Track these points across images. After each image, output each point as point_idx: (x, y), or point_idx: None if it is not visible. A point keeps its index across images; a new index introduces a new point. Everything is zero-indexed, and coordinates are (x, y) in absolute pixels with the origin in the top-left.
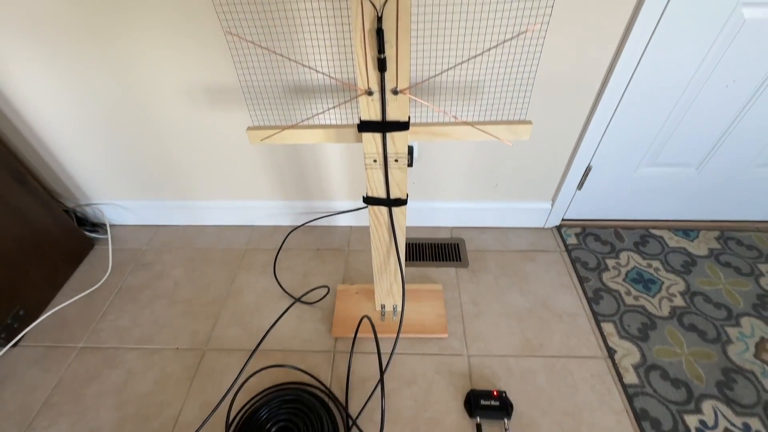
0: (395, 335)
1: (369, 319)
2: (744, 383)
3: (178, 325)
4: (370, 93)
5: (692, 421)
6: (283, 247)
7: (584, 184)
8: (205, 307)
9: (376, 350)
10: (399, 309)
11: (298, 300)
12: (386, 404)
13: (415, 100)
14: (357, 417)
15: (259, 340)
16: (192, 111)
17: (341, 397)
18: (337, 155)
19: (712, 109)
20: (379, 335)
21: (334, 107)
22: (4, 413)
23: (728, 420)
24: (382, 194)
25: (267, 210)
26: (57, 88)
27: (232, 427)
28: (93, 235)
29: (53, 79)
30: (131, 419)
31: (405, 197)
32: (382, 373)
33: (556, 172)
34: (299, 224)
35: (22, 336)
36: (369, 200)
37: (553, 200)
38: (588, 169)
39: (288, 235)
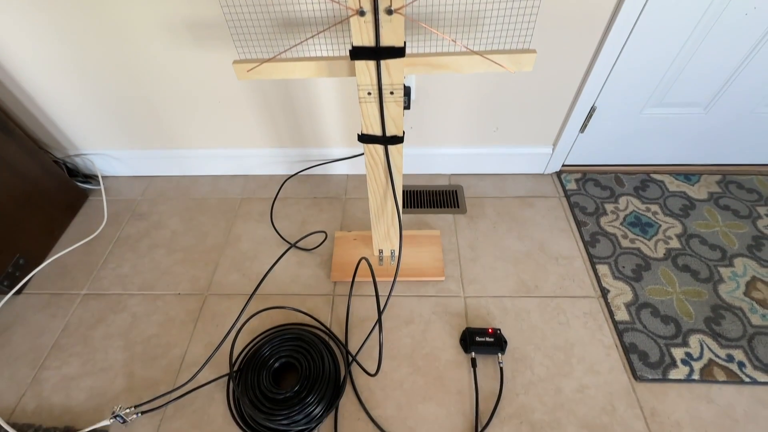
0: (393, 278)
1: (367, 260)
2: (731, 319)
3: (178, 272)
4: (362, 13)
5: (678, 353)
6: (279, 196)
7: (587, 127)
8: (204, 255)
9: (374, 293)
10: (396, 253)
11: (294, 245)
12: (385, 342)
13: (411, 26)
14: (357, 353)
15: (255, 281)
16: (175, 50)
17: (341, 337)
18: (330, 98)
19: (727, 42)
20: (377, 279)
21: (325, 29)
22: (16, 354)
23: (713, 352)
24: (378, 131)
25: (261, 159)
26: (32, 29)
27: (237, 364)
28: (86, 186)
29: (28, 21)
30: (139, 358)
31: (401, 134)
32: (379, 307)
33: (559, 114)
34: (295, 172)
35: (25, 284)
36: (364, 138)
37: (555, 144)
38: (592, 110)
39: (284, 183)
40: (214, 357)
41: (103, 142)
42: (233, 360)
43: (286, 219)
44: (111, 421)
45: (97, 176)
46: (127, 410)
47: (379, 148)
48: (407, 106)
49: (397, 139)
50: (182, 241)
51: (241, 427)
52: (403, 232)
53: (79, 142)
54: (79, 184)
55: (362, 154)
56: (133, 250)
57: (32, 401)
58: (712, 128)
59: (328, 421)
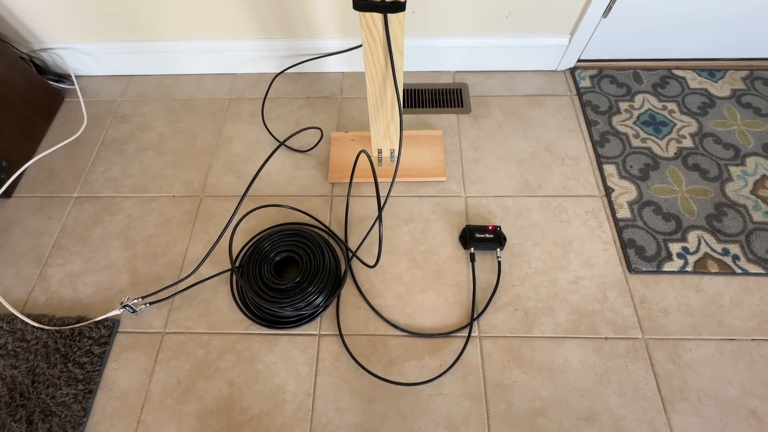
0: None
1: (366, 152)
2: (733, 215)
3: (170, 174)
4: None
5: (675, 247)
6: (271, 96)
7: (612, 10)
8: (195, 158)
9: (373, 193)
10: (396, 153)
11: (283, 143)
12: (384, 240)
13: None
14: (356, 250)
15: (254, 183)
16: None
17: (341, 235)
18: None
19: None
20: (380, 179)
21: None
22: (18, 253)
23: (710, 246)
24: None
25: (247, 53)
26: None
27: (238, 261)
28: (60, 86)
29: None
30: (141, 256)
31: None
32: (378, 198)
33: None
34: (285, 68)
35: (14, 187)
36: (359, 5)
37: (572, 33)
38: None
39: (274, 79)
40: (214, 254)
41: (68, 33)
42: (234, 257)
43: (279, 120)
44: (121, 310)
45: (70, 75)
46: (135, 300)
47: (378, 19)
48: None
49: (398, 6)
50: (171, 143)
51: (246, 315)
52: (405, 133)
53: (42, 34)
54: (52, 83)
55: (359, 46)
56: (120, 153)
57: (42, 295)
58: (748, 12)
59: (331, 310)
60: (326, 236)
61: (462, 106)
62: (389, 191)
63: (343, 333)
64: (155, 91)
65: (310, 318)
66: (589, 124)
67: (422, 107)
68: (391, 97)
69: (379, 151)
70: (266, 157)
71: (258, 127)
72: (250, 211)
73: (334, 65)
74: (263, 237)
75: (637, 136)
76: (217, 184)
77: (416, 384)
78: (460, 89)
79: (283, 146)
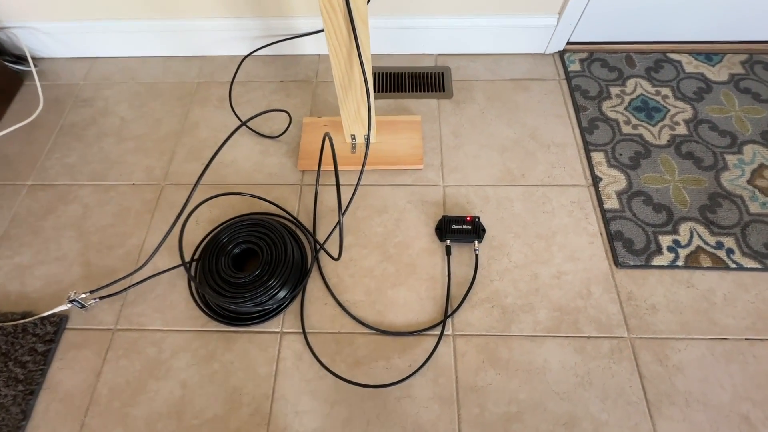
0: (367, 166)
1: (329, 136)
2: (729, 206)
3: (130, 161)
4: None
5: (666, 240)
6: (242, 79)
7: None
8: (158, 144)
9: (348, 182)
10: (371, 138)
11: (245, 123)
12: (355, 232)
13: None
14: (324, 241)
15: (220, 171)
16: None
17: (309, 226)
18: None
19: None
20: (349, 167)
21: None
22: None
23: (702, 239)
24: None
25: (217, 34)
26: None
27: (197, 252)
28: (18, 68)
29: None
30: (95, 248)
31: None
32: (338, 188)
33: None
34: (255, 48)
35: None
36: None
37: (561, 13)
38: None
39: (243, 60)
40: (175, 246)
41: (27, 11)
42: (194, 249)
43: (249, 105)
44: (69, 305)
45: (26, 56)
46: (84, 295)
47: None
48: None
49: None
50: (133, 129)
51: (204, 311)
52: (380, 118)
53: None
54: (9, 65)
55: None
56: (79, 139)
57: None
58: None
59: (295, 306)
60: (294, 227)
61: (443, 91)
62: (359, 180)
63: (306, 331)
64: (120, 73)
65: (271, 314)
66: (578, 109)
67: (401, 91)
68: (358, 75)
69: (352, 137)
70: (235, 147)
71: (227, 112)
72: (207, 199)
73: (309, 47)
74: (222, 228)
75: (628, 122)
76: (181, 172)
77: (383, 386)
78: (442, 73)
79: (252, 132)
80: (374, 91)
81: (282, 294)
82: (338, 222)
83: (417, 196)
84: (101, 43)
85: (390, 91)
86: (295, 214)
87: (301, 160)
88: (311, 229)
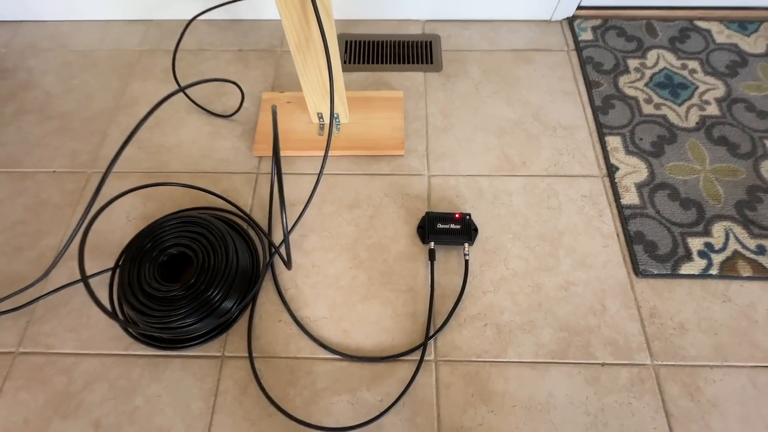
0: (337, 152)
1: (273, 110)
2: None
3: (53, 144)
4: None
5: (696, 243)
6: (193, 47)
7: None
8: (88, 123)
9: (313, 170)
10: (341, 118)
11: (183, 90)
12: (320, 231)
13: None
14: (280, 244)
15: (160, 156)
16: None
17: (264, 224)
18: None
19: None
20: (316, 152)
21: None
22: None
23: (741, 242)
24: None
25: None
26: None
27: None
28: None
29: None
30: (0, 250)
31: None
32: (279, 173)
33: None
34: (207, 8)
35: None
36: None
37: None
38: None
39: (190, 22)
40: (102, 247)
41: None
42: (120, 252)
43: (200, 77)
44: None
45: None
46: None
47: None
48: None
49: None
50: (59, 105)
51: (129, 332)
52: (355, 94)
53: None
54: None
55: None
56: None
57: None
58: None
59: (242, 324)
60: (246, 225)
61: (431, 63)
62: (321, 168)
63: (254, 355)
64: (49, 40)
65: (211, 335)
66: (590, 85)
67: (381, 63)
68: (317, 32)
69: (320, 116)
70: (180, 128)
71: (173, 86)
72: (129, 190)
73: (272, 10)
74: (148, 228)
75: (649, 101)
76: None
77: (347, 429)
78: (430, 42)
79: (201, 110)
80: (349, 63)
81: (226, 307)
82: (302, 216)
83: (396, 188)
84: (28, 4)
85: (368, 63)
86: (247, 210)
87: (257, 144)
88: (266, 226)
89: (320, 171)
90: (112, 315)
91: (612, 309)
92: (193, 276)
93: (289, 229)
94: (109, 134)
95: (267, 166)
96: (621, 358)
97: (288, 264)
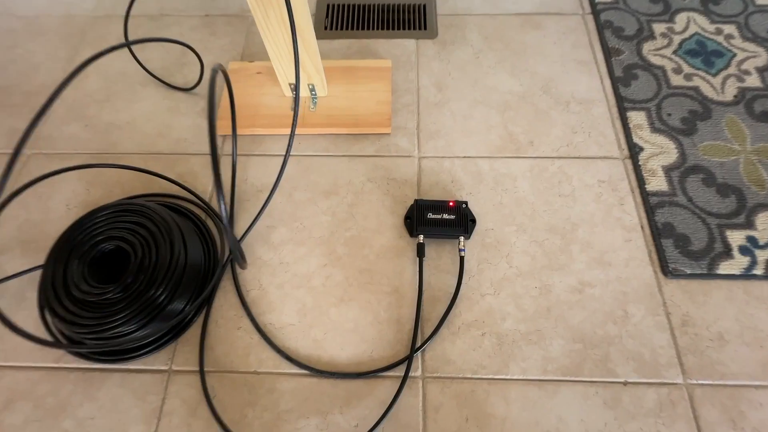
0: (313, 129)
1: (222, 71)
2: None
3: None
4: None
5: (736, 237)
6: (153, 12)
7: None
8: (29, 98)
9: (282, 152)
10: (318, 90)
11: (129, 44)
12: (290, 222)
13: None
14: (242, 237)
15: (110, 135)
16: None
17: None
18: None
19: None
20: (289, 132)
21: None
22: None
23: None
24: None
25: None
26: None
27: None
28: None
29: None
30: None
31: None
32: (234, 161)
33: None
34: None
35: None
36: None
37: None
38: None
39: None
40: (32, 242)
41: None
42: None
43: (161, 47)
44: None
45: None
46: None
47: None
48: None
49: None
50: None
51: (58, 339)
52: (335, 63)
53: None
54: None
55: None
56: None
57: None
58: None
59: (195, 331)
60: (204, 216)
61: (425, 29)
62: (288, 148)
63: (206, 369)
64: None
65: (158, 344)
66: (609, 53)
67: (367, 29)
68: None
69: (292, 87)
70: (134, 103)
71: (128, 56)
72: (50, 174)
73: None
74: (79, 220)
75: (678, 70)
76: (56, 137)
77: None
78: (424, 5)
79: (155, 81)
80: (331, 29)
81: (174, 310)
82: (267, 205)
83: (381, 172)
84: None
85: (352, 29)
86: (207, 197)
87: (221, 121)
88: (228, 218)
89: (287, 150)
90: (23, 333)
91: (636, 316)
92: (131, 274)
93: (250, 225)
94: (53, 110)
95: (231, 146)
96: (647, 375)
97: (240, 261)
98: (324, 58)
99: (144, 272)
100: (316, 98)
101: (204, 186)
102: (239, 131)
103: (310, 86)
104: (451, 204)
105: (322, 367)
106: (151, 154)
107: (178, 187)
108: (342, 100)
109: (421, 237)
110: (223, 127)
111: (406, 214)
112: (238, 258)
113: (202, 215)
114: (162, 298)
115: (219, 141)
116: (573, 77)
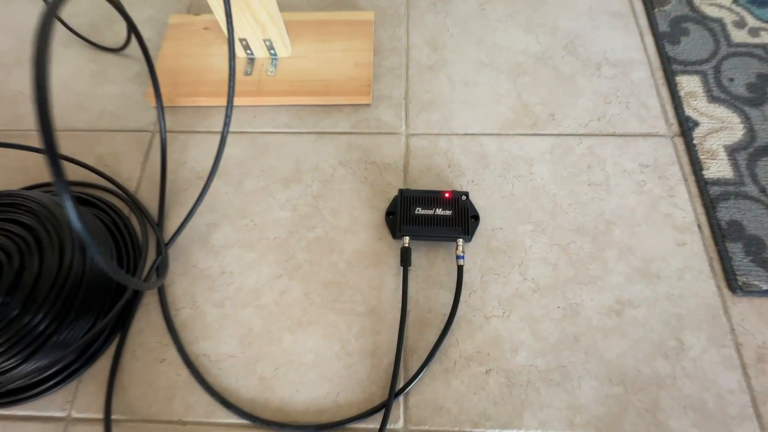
0: (271, 99)
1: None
2: None
3: None
4: None
5: None
6: None
7: None
8: None
9: (232, 126)
10: (278, 50)
11: None
12: (237, 221)
13: None
14: (171, 239)
15: (16, 107)
16: None
17: (154, 210)
18: None
19: None
20: (243, 100)
21: None
22: None
23: None
24: None
25: None
26: None
27: None
28: None
29: None
30: None
31: None
32: (164, 148)
33: None
34: None
35: None
36: None
37: None
38: None
39: None
40: None
41: None
42: None
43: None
44: None
45: None
46: None
47: None
48: None
49: None
50: None
51: None
52: (304, 16)
53: None
54: None
55: None
56: None
57: None
58: None
59: (104, 363)
60: (129, 211)
61: None
62: (226, 123)
63: (114, 417)
64: None
65: (50, 383)
66: (651, 3)
67: None
68: None
69: (245, 44)
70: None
71: (41, 6)
72: None
73: None
74: None
75: (741, 24)
76: None
77: None
78: None
79: (79, 41)
80: None
81: (67, 340)
82: (202, 197)
83: (357, 154)
84: None
85: None
86: (133, 186)
87: (164, 88)
88: (157, 213)
89: (225, 122)
90: None
91: (695, 348)
92: (2, 291)
93: (182, 223)
94: None
95: (171, 120)
96: (711, 426)
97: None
98: (289, 9)
99: (22, 289)
100: (276, 59)
101: (130, 172)
102: (179, 101)
103: (267, 43)
104: (446, 195)
105: (269, 415)
106: (66, 131)
107: (96, 175)
108: (309, 62)
109: (407, 239)
110: (164, 96)
111: (387, 208)
112: (155, 268)
113: (126, 210)
114: (44, 325)
115: (151, 114)
116: (605, 33)
